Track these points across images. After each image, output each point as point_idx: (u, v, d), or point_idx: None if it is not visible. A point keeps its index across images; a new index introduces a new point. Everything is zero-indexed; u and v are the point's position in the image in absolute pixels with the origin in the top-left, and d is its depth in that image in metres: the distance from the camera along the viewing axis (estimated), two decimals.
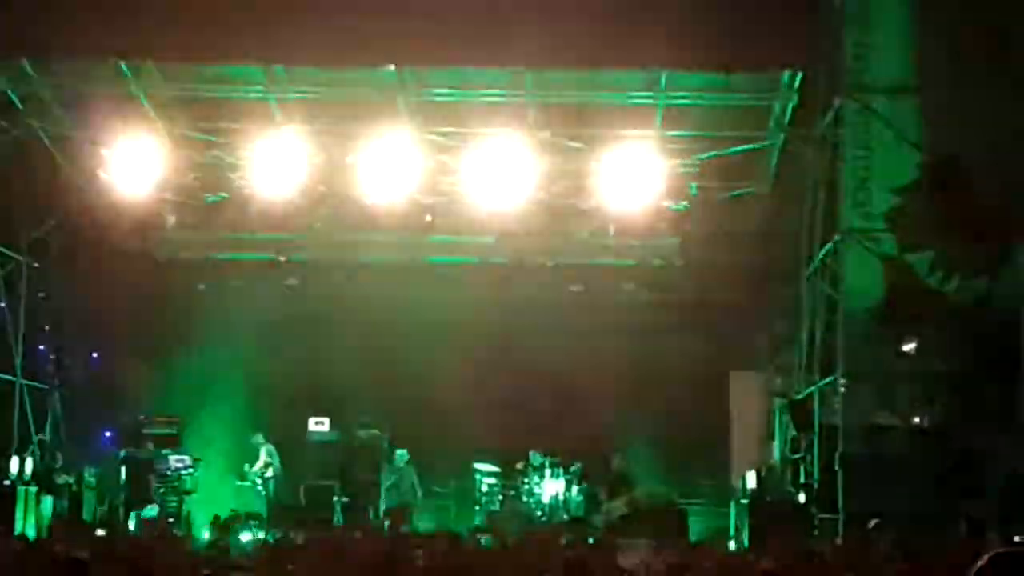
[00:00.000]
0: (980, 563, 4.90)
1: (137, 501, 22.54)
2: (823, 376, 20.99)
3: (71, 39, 20.68)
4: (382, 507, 23.44)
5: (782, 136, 23.14)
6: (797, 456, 22.25)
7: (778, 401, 24.03)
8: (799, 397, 22.42)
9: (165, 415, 23.83)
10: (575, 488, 23.39)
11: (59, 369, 24.89)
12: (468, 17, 20.09)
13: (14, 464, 21.43)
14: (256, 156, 22.45)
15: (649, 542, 16.52)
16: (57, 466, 22.78)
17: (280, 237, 24.34)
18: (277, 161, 22.31)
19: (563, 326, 24.16)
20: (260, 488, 23.54)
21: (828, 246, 21.07)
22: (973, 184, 19.92)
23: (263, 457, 23.66)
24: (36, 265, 24.14)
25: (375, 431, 24.19)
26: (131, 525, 21.71)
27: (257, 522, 21.65)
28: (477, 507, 23.65)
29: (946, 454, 19.43)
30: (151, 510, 22.10)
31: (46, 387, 24.47)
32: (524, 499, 23.41)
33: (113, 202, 22.82)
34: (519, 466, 23.62)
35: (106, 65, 22.32)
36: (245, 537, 19.95)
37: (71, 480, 22.60)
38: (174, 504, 22.83)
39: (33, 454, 22.35)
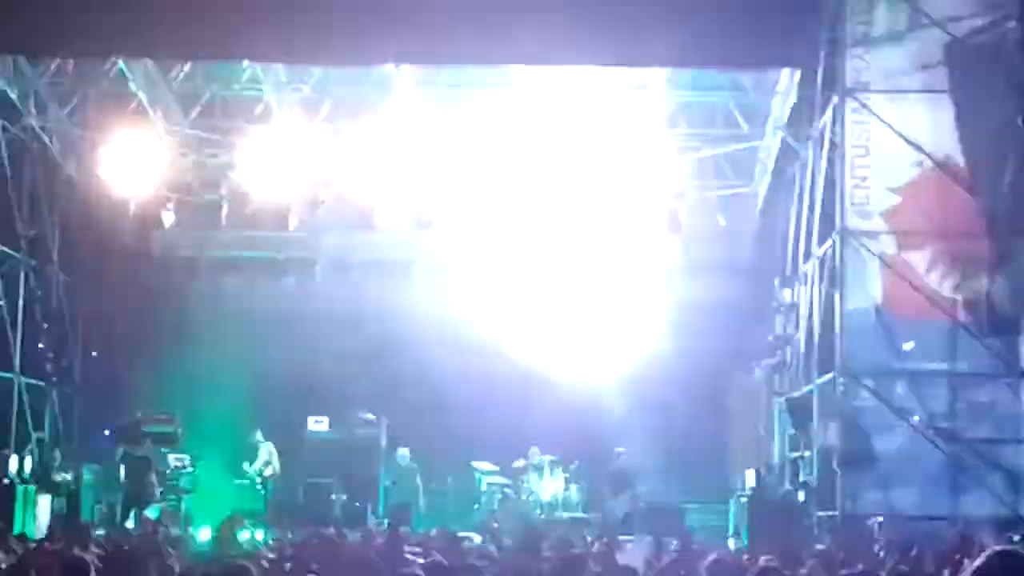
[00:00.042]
0: (979, 562, 4.90)
1: (136, 500, 22.52)
2: (821, 375, 20.99)
3: (70, 38, 20.69)
4: (382, 506, 23.44)
5: (781, 135, 23.16)
6: (796, 454, 22.26)
7: (777, 400, 24.04)
8: (798, 396, 22.43)
9: (164, 413, 23.81)
10: (574, 487, 23.40)
11: (58, 367, 24.89)
12: (468, 15, 20.09)
13: (13, 463, 21.42)
14: (254, 155, 22.45)
15: (649, 540, 16.50)
16: (56, 464, 22.77)
17: (279, 235, 24.35)
18: (276, 160, 22.31)
19: (562, 325, 24.14)
20: (259, 487, 23.54)
21: (826, 245, 21.08)
22: (971, 182, 19.91)
23: (262, 455, 23.65)
24: (35, 263, 24.14)
25: (374, 429, 24.20)
26: (130, 524, 21.68)
27: (256, 521, 21.63)
28: (476, 506, 23.66)
29: (944, 453, 19.42)
30: (155, 510, 22.08)
31: (45, 385, 24.48)
32: (523, 498, 23.41)
33: (111, 200, 22.83)
34: (518, 465, 23.63)
35: (105, 63, 22.34)
36: (244, 536, 19.92)
37: (70, 479, 22.59)
38: (173, 503, 22.83)
39: (32, 452, 22.33)
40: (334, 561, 11.75)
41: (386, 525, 21.62)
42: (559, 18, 19.74)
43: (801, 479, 21.65)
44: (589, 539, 16.68)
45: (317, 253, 24.80)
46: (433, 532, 16.58)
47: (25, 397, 23.49)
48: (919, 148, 19.94)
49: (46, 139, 23.72)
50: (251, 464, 23.63)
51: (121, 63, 22.45)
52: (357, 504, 23.23)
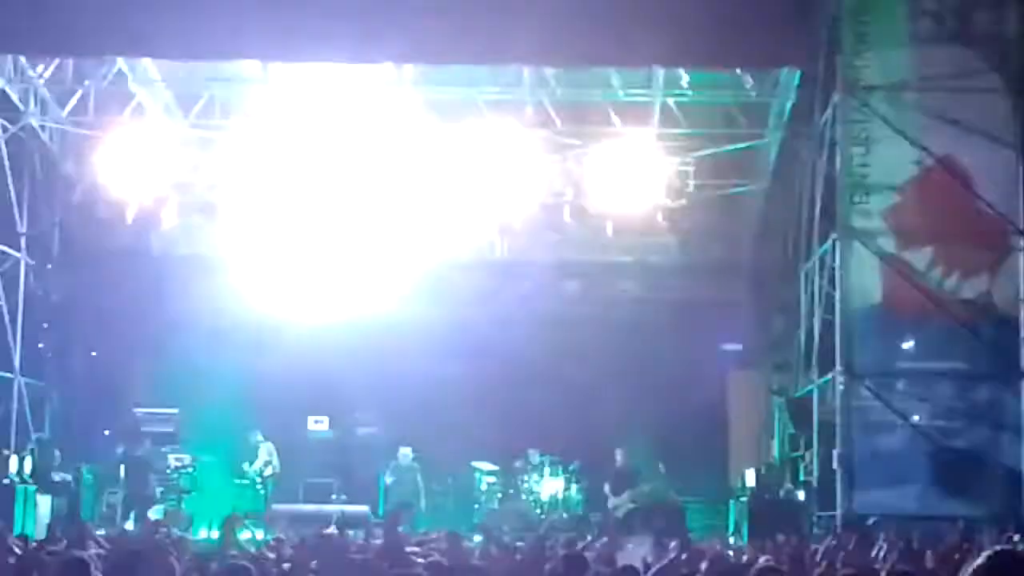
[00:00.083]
0: (978, 562, 4.90)
1: (136, 500, 22.52)
2: (822, 374, 20.99)
3: (70, 36, 20.69)
4: (382, 506, 23.43)
5: (780, 134, 23.16)
6: (796, 454, 22.26)
7: (777, 399, 24.04)
8: (798, 395, 22.43)
9: (163, 413, 23.81)
10: (574, 486, 23.41)
11: (57, 367, 24.90)
12: (467, 15, 20.10)
13: (13, 462, 21.41)
14: (254, 153, 22.46)
15: (649, 540, 16.49)
16: (55, 464, 22.76)
17: (278, 235, 24.31)
18: (275, 158, 22.31)
19: (561, 324, 24.14)
20: (259, 487, 23.53)
21: (826, 244, 21.07)
22: (971, 181, 19.92)
23: (262, 455, 23.64)
24: (34, 262, 24.14)
25: (374, 429, 24.19)
26: (129, 524, 21.67)
27: (256, 521, 21.62)
28: (476, 505, 23.66)
29: (944, 452, 19.43)
30: (158, 511, 22.06)
31: (44, 385, 24.48)
32: (523, 497, 23.42)
33: (111, 199, 22.82)
34: (518, 464, 23.63)
35: (104, 62, 22.34)
36: (244, 536, 19.92)
37: (69, 478, 22.58)
38: (173, 503, 22.83)
39: (32, 452, 22.33)
40: (334, 561, 11.76)
41: (383, 524, 21.64)
42: (558, 18, 19.75)
43: (801, 479, 21.65)
44: (589, 539, 16.69)
45: (317, 252, 24.75)
46: (435, 534, 16.55)
47: (25, 397, 23.50)
48: (919, 147, 19.95)
49: (46, 139, 23.72)
50: (251, 464, 23.62)
51: (121, 63, 22.45)
52: (357, 504, 23.22)
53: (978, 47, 20.02)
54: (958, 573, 5.01)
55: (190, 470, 23.26)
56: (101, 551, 11.90)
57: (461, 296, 24.16)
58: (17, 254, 23.65)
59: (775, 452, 23.76)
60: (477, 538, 17.82)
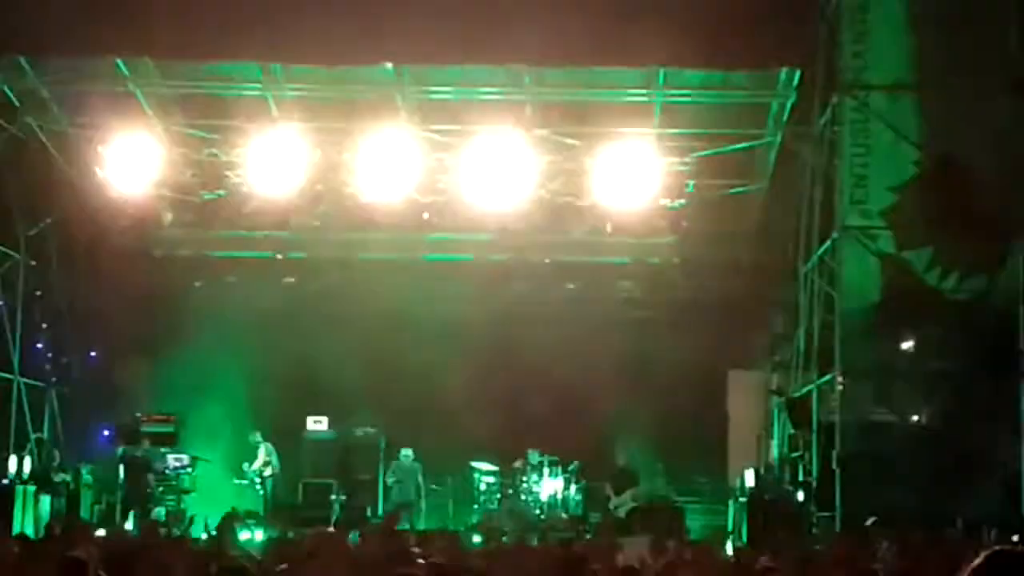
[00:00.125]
0: (977, 562, 4.89)
1: (135, 500, 22.53)
2: (821, 374, 20.99)
3: (69, 36, 20.68)
4: (381, 506, 23.44)
5: (780, 134, 23.15)
6: (795, 454, 22.25)
7: (776, 399, 24.03)
8: (797, 395, 22.42)
9: (163, 413, 23.82)
10: (573, 486, 23.41)
11: (57, 367, 24.90)
12: (466, 15, 20.10)
13: (12, 463, 21.42)
14: (253, 153, 22.45)
15: (648, 540, 16.50)
16: (55, 464, 22.78)
17: (278, 235, 24.33)
18: (274, 158, 22.30)
19: (560, 324, 24.15)
20: (258, 487, 23.54)
21: (826, 244, 21.08)
22: (971, 181, 19.92)
23: (261, 455, 23.65)
24: (33, 263, 24.14)
25: (373, 429, 24.20)
26: (129, 524, 21.68)
27: (255, 521, 21.63)
28: (475, 505, 23.66)
29: (943, 452, 19.42)
30: (159, 512, 22.07)
31: (44, 385, 24.48)
32: (522, 498, 23.42)
33: (110, 199, 22.81)
34: (517, 464, 23.63)
35: (103, 62, 22.32)
36: (244, 536, 19.93)
37: (69, 479, 22.59)
38: (172, 503, 22.84)
39: (31, 453, 22.34)
40: (334, 561, 11.75)
41: (381, 524, 21.66)
42: (558, 18, 19.75)
43: (801, 479, 21.65)
44: (589, 538, 16.70)
45: (316, 252, 24.77)
46: (435, 534, 16.57)
47: (25, 397, 23.50)
48: (919, 147, 19.95)
49: (45, 138, 23.71)
50: (250, 464, 23.63)
51: (121, 63, 22.44)
52: (357, 504, 23.24)
53: (978, 47, 20.01)
54: (957, 573, 5.00)
55: (190, 470, 23.27)
56: (100, 551, 11.89)
57: (461, 296, 24.18)
58: (16, 254, 23.65)
59: (774, 452, 23.76)
60: (477, 538, 17.83)
